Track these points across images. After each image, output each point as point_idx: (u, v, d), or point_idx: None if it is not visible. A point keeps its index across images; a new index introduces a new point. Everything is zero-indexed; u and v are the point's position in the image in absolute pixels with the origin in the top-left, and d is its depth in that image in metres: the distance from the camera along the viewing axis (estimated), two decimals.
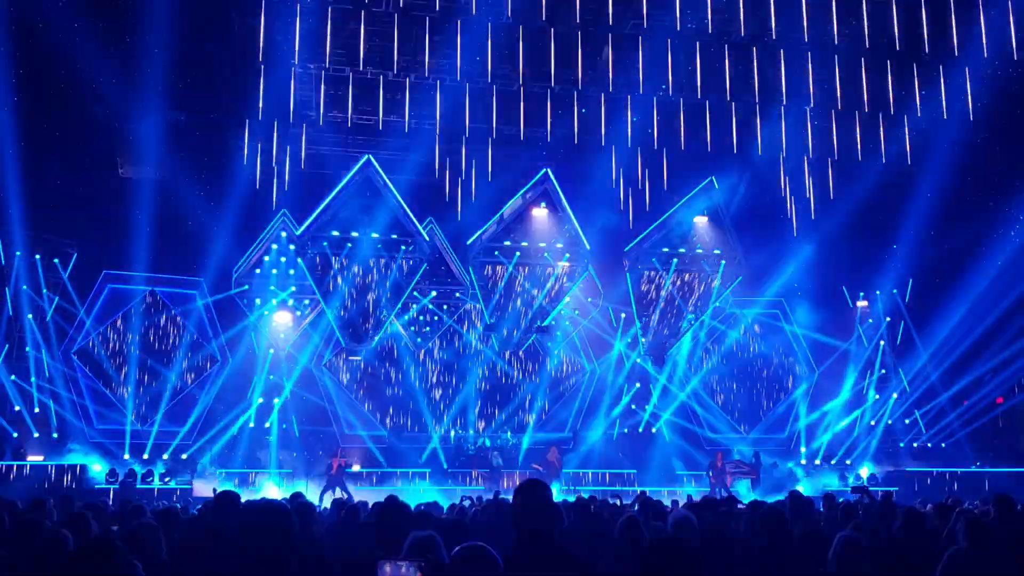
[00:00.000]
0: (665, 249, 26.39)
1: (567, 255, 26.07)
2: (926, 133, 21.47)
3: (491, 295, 26.42)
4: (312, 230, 24.22)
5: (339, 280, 24.91)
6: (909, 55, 20.35)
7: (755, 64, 21.21)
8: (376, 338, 25.80)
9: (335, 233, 24.46)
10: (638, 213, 24.82)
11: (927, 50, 20.18)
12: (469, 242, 25.71)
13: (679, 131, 22.73)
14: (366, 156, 23.79)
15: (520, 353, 27.78)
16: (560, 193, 25.43)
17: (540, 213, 25.76)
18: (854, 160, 22.98)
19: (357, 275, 25.19)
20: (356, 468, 24.28)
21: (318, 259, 24.88)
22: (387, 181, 24.05)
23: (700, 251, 26.78)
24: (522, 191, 24.71)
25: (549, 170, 24.78)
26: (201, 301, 25.60)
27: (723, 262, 26.64)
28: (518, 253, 26.16)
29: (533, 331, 26.52)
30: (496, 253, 26.07)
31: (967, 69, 20.71)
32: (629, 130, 22.89)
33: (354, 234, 24.47)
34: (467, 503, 13.42)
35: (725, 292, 27.00)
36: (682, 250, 26.62)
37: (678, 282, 27.01)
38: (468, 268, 26.02)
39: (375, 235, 24.63)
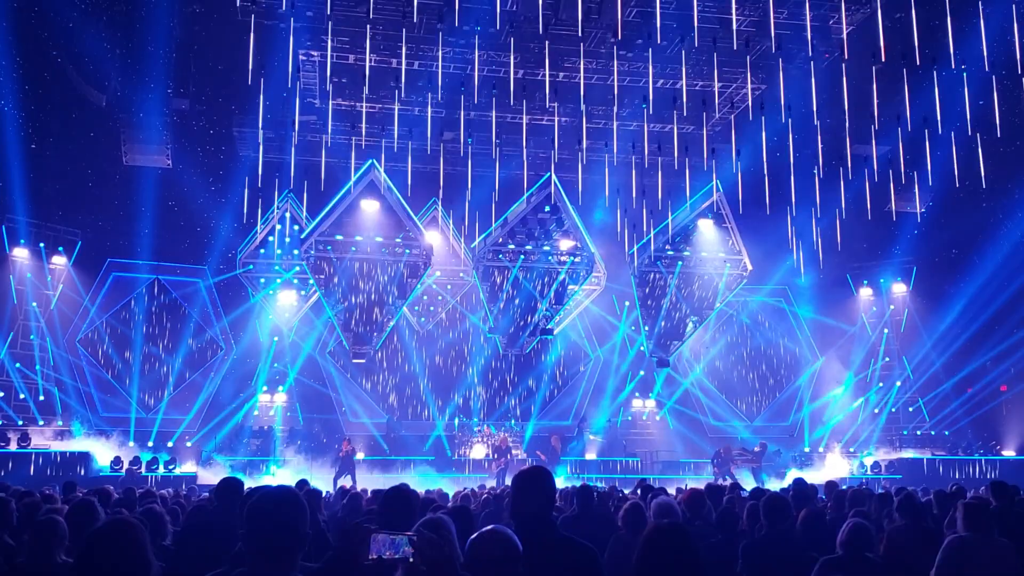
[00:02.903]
0: (669, 252, 26.38)
1: (571, 259, 26.07)
2: (934, 119, 21.35)
3: (495, 299, 26.45)
4: (316, 233, 24.26)
5: (343, 284, 24.93)
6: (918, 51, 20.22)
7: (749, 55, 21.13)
8: (380, 341, 25.85)
9: (339, 237, 24.49)
10: (641, 203, 24.71)
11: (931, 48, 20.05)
12: (472, 245, 25.72)
13: (682, 119, 22.64)
14: (370, 161, 23.81)
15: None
16: (564, 196, 25.42)
17: (544, 217, 25.79)
18: (860, 146, 22.88)
19: (361, 279, 25.22)
20: (360, 456, 24.36)
21: (322, 263, 24.90)
22: (391, 185, 24.06)
23: (704, 254, 26.80)
24: (527, 194, 24.67)
25: (553, 174, 24.76)
26: (205, 289, 25.66)
27: (728, 264, 26.65)
28: (523, 257, 26.17)
29: (537, 334, 26.60)
30: (501, 257, 26.07)
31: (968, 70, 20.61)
32: (646, 116, 22.83)
33: (358, 238, 24.49)
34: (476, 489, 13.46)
35: (730, 295, 27.04)
36: (686, 253, 26.63)
37: (682, 284, 27.02)
38: (473, 271, 26.06)
39: (379, 239, 24.66)
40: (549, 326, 26.62)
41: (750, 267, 26.45)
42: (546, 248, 26.42)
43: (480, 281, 26.20)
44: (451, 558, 3.14)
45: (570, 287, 26.54)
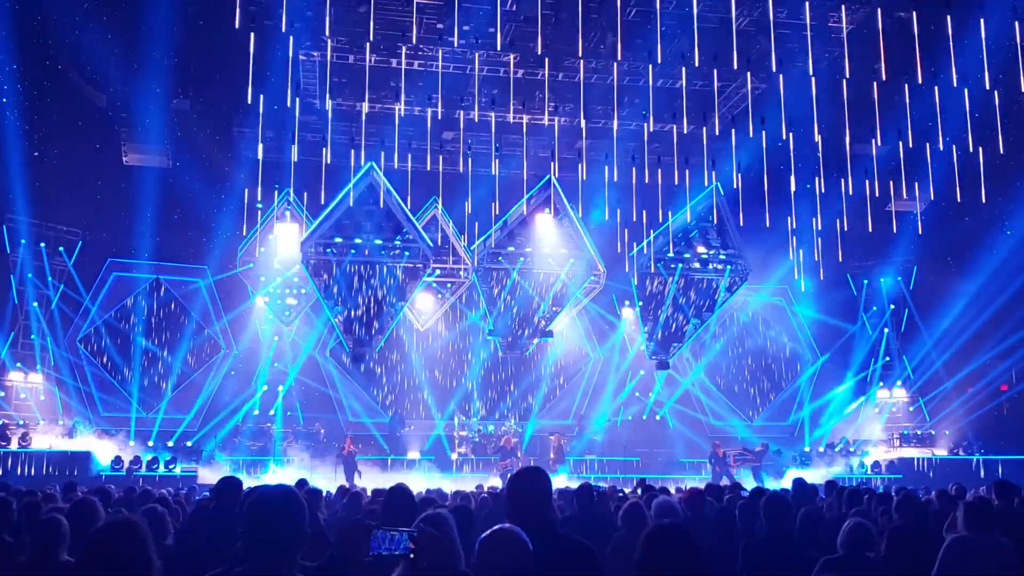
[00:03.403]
0: (669, 255, 26.38)
1: (571, 260, 26.06)
2: (935, 116, 21.38)
3: (495, 301, 26.46)
4: (315, 237, 24.27)
5: (342, 287, 24.93)
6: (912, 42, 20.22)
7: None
8: (379, 344, 25.89)
9: (338, 239, 24.50)
10: (641, 205, 24.67)
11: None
12: (472, 248, 25.73)
13: (683, 120, 22.62)
14: (369, 163, 23.81)
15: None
16: (564, 198, 25.41)
17: (544, 219, 25.79)
18: (860, 146, 22.86)
19: (360, 281, 25.23)
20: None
21: (321, 266, 24.89)
22: (390, 188, 24.06)
23: (705, 257, 26.80)
24: (526, 196, 24.65)
25: (553, 176, 24.76)
26: (206, 288, 25.66)
27: (728, 267, 26.65)
28: (522, 259, 26.14)
29: (537, 336, 26.63)
30: (500, 259, 26.06)
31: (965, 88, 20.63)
32: (654, 115, 22.82)
33: (357, 240, 24.49)
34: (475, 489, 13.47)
35: (730, 298, 27.04)
36: (686, 255, 26.62)
37: (682, 286, 27.02)
38: (472, 273, 26.07)
39: (378, 241, 24.68)
40: (549, 328, 26.63)
41: (751, 270, 26.47)
42: (546, 251, 26.40)
43: (480, 283, 26.20)
44: (452, 554, 3.13)
45: (569, 289, 26.55)
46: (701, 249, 26.80)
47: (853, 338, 28.47)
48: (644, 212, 24.63)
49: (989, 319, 25.02)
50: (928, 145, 21.95)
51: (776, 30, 20.10)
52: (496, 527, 3.54)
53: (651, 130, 23.05)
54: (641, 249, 25.89)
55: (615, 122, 22.62)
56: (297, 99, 20.99)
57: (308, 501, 8.28)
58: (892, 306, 28.17)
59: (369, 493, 11.16)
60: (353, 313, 25.47)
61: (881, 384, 27.94)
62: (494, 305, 26.55)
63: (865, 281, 28.26)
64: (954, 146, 21.71)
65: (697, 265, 26.84)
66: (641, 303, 27.05)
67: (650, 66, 20.68)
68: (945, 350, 26.47)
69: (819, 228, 24.38)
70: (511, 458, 23.15)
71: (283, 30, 18.72)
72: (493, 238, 25.73)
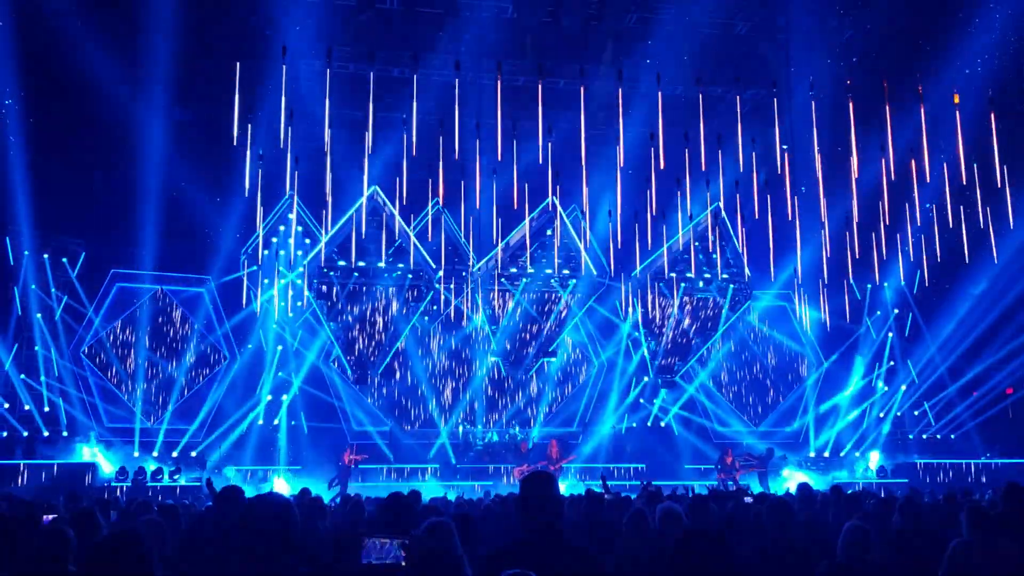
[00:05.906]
0: (672, 274, 26.38)
1: (573, 281, 26.06)
2: (936, 121, 21.38)
3: (497, 322, 26.47)
4: (319, 260, 24.33)
5: (346, 309, 24.98)
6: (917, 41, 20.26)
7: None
8: (382, 366, 25.92)
9: (341, 263, 24.57)
10: (645, 216, 24.63)
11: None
12: (475, 269, 25.73)
13: (684, 126, 22.62)
14: (373, 187, 23.86)
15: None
16: (566, 220, 25.40)
17: (547, 240, 25.80)
18: (863, 149, 22.85)
19: (363, 304, 25.27)
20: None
21: (325, 289, 24.96)
22: (394, 211, 24.09)
23: (707, 275, 26.79)
24: (528, 217, 24.67)
25: (557, 197, 24.77)
26: (209, 298, 25.67)
27: (732, 286, 26.62)
28: (524, 280, 26.14)
29: (540, 356, 26.63)
30: (503, 280, 26.07)
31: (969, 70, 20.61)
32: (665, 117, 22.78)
33: (360, 263, 24.53)
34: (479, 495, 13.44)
35: (733, 317, 27.04)
36: (689, 275, 26.61)
37: (685, 305, 27.00)
38: (475, 295, 26.10)
39: (381, 264, 24.74)
40: (551, 348, 26.64)
41: (754, 289, 26.47)
42: (548, 271, 26.44)
43: (482, 305, 26.22)
44: (451, 565, 3.10)
45: (572, 309, 26.60)
46: (703, 268, 26.82)
47: (857, 342, 28.40)
48: (650, 225, 24.61)
49: (993, 323, 24.96)
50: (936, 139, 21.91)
51: (778, 34, 20.17)
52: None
53: (653, 138, 23.05)
54: (643, 268, 25.91)
55: (621, 129, 22.62)
56: (288, 107, 20.98)
57: (309, 510, 8.26)
58: (896, 310, 28.11)
59: (363, 499, 11.13)
60: (356, 335, 25.55)
61: (886, 388, 27.86)
62: (497, 326, 26.58)
63: (869, 285, 28.18)
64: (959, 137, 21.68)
65: (700, 284, 26.84)
66: (644, 322, 27.03)
67: (658, 80, 20.67)
68: (949, 354, 26.40)
69: (824, 232, 24.34)
70: (526, 463, 23.17)
71: (283, 39, 18.77)
72: (496, 259, 25.79)
